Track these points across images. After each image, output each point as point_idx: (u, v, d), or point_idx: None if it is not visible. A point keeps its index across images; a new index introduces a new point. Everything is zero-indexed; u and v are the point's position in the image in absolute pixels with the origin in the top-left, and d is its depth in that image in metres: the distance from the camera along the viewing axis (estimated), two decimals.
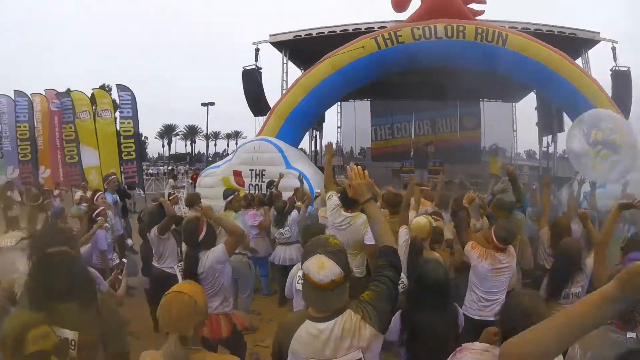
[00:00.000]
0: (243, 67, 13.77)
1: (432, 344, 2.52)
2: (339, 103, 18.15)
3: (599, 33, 12.28)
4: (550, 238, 4.40)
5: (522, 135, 19.69)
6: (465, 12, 11.10)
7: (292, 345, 1.85)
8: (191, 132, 73.06)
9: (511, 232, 3.71)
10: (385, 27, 11.52)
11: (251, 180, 10.26)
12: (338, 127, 20.97)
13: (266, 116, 11.91)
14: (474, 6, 11.45)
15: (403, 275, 3.55)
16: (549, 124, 15.57)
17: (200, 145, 75.96)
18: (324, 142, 20.65)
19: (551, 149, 16.80)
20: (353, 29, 12.60)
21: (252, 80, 13.64)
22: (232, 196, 5.95)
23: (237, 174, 10.47)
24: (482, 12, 11.57)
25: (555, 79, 10.26)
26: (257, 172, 10.22)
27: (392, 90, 16.91)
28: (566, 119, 12.61)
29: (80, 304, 2.06)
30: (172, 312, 1.80)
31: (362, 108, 20.53)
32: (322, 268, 1.76)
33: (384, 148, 20.68)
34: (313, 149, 18.72)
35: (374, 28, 12.04)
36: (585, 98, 9.78)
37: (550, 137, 16.35)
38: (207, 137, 52.82)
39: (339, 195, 4.35)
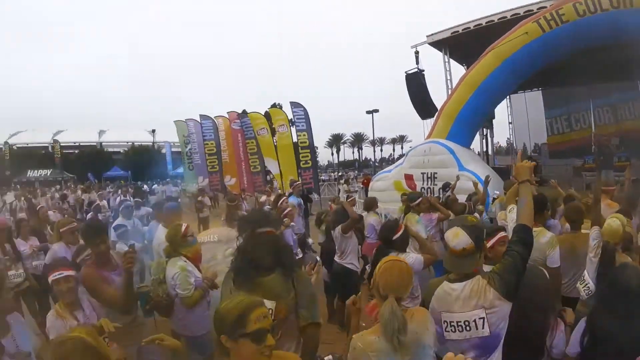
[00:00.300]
0: (405, 72, 13.81)
1: (613, 354, 2.37)
2: (508, 96, 16.79)
3: None
4: None
5: None
6: None
7: (432, 301, 2.24)
8: (357, 140, 75.81)
9: None
10: (545, 7, 10.39)
11: (423, 184, 10.20)
12: (509, 123, 19.45)
13: (434, 118, 11.74)
14: None
15: (590, 280, 3.37)
16: None
17: (366, 152, 78.09)
18: (495, 141, 19.37)
19: None
20: (511, 15, 11.79)
21: (415, 84, 13.60)
22: (419, 200, 5.99)
23: (408, 178, 10.53)
24: None
25: None
26: (429, 175, 10.12)
27: (564, 76, 14.76)
28: None
29: (280, 276, 2.34)
30: (393, 276, 2.09)
31: (534, 99, 18.65)
32: (457, 237, 2.14)
33: (561, 143, 18.47)
34: (484, 148, 17.62)
35: (533, 10, 11.05)
36: None
37: None
38: (373, 143, 54.49)
39: None
